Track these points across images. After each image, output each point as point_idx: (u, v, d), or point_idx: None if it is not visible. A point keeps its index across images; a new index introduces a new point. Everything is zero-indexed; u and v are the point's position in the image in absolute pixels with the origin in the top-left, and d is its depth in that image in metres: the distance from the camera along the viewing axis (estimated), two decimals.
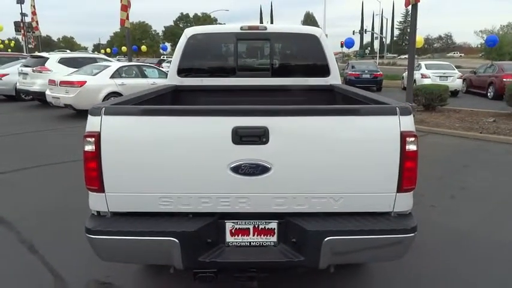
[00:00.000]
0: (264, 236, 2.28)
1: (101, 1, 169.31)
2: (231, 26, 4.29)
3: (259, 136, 2.09)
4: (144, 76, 12.14)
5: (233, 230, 2.27)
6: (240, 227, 2.27)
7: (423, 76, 17.37)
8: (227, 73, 4.31)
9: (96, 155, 2.13)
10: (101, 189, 2.18)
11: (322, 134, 2.14)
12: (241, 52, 4.40)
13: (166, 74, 13.07)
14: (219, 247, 2.25)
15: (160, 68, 14.63)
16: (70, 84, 10.54)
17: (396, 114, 2.12)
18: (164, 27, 54.88)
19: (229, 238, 2.28)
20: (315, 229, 2.11)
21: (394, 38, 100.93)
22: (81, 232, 2.18)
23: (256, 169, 2.12)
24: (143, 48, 39.79)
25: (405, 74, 21.06)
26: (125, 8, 14.59)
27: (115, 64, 12.36)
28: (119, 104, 2.51)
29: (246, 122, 2.11)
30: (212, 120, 2.14)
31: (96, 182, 2.17)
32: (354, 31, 56.39)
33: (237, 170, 2.12)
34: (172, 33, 53.29)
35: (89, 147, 2.14)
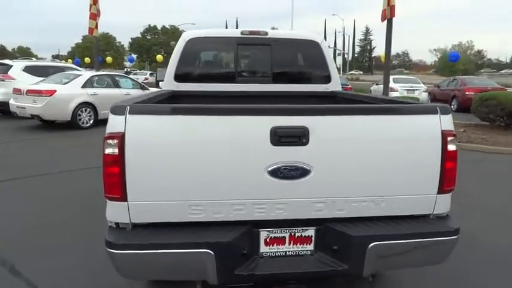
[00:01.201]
0: (300, 244, 2.14)
1: (59, 11, 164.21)
2: (231, 30, 4.16)
3: (299, 137, 1.96)
4: (118, 86, 11.69)
5: (268, 240, 2.11)
6: (276, 235, 2.11)
7: (392, 89, 17.93)
8: (226, 79, 4.15)
9: (119, 158, 1.92)
10: (123, 197, 1.96)
11: (364, 134, 2.03)
12: (242, 57, 4.27)
13: (141, 85, 12.85)
14: (253, 259, 2.08)
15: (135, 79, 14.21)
16: (38, 93, 9.94)
17: (437, 113, 2.06)
18: (131, 38, 53.97)
19: (263, 248, 2.11)
20: (360, 234, 1.99)
21: (355, 55, 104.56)
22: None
23: (296, 172, 1.98)
24: (108, 59, 38.72)
25: (372, 88, 21.98)
26: (94, 16, 14.13)
27: (86, 73, 11.84)
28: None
29: (285, 122, 1.97)
30: (249, 120, 1.98)
31: (117, 189, 1.95)
32: None
33: (275, 173, 1.97)
34: (139, 45, 52.29)
35: (111, 150, 1.92)
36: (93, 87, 10.88)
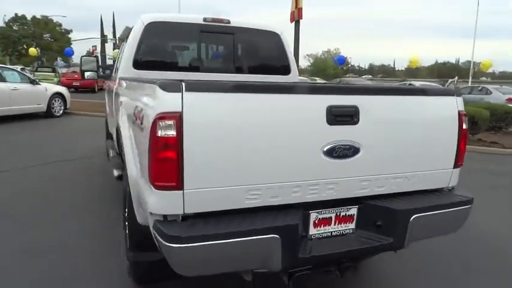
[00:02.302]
0: (343, 223, 2.17)
1: None
2: (192, 16, 3.94)
3: (352, 116, 2.00)
4: (3, 80, 10.02)
5: (316, 221, 2.09)
6: (323, 216, 2.11)
7: None
8: (190, 68, 3.94)
9: (177, 141, 1.69)
10: (179, 185, 1.73)
11: (403, 114, 2.17)
12: (205, 46, 4.09)
13: (30, 79, 11.22)
14: (306, 241, 2.04)
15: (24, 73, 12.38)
16: None
17: (454, 95, 2.31)
18: None
19: (312, 230, 2.08)
20: (405, 208, 2.11)
21: None
22: None
23: (348, 151, 2.01)
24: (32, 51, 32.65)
25: None
26: None
27: None
28: None
29: (339, 101, 1.99)
30: (307, 99, 1.94)
31: (173, 176, 1.72)
32: None
33: (330, 153, 1.97)
34: (4, 36, 45.12)
35: (167, 132, 1.69)
36: None
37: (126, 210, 2.56)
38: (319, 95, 1.96)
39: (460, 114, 2.30)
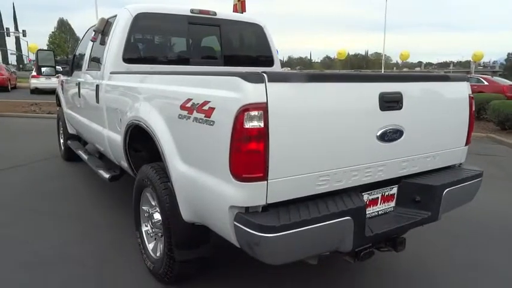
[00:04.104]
0: (386, 202, 2.33)
1: None
2: (179, 7, 3.81)
3: (397, 101, 2.16)
4: None
5: (367, 202, 2.22)
6: (373, 197, 2.25)
7: None
8: (180, 61, 3.81)
9: (264, 132, 1.70)
10: (264, 176, 1.74)
11: (432, 98, 2.40)
12: (194, 38, 3.97)
13: None
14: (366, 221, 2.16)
15: None
16: None
17: (466, 81, 2.59)
18: None
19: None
20: (440, 184, 2.33)
21: None
22: None
23: (395, 135, 2.17)
24: None
25: None
26: None
27: None
28: None
29: (387, 88, 2.13)
30: (365, 87, 2.06)
31: (260, 167, 1.73)
32: None
33: (382, 137, 2.12)
34: None
35: (255, 124, 1.69)
36: None
37: (160, 210, 2.45)
38: (373, 83, 2.09)
39: (469, 97, 2.59)
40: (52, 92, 19.81)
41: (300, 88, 1.83)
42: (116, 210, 4.02)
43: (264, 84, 1.70)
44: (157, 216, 2.63)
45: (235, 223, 1.78)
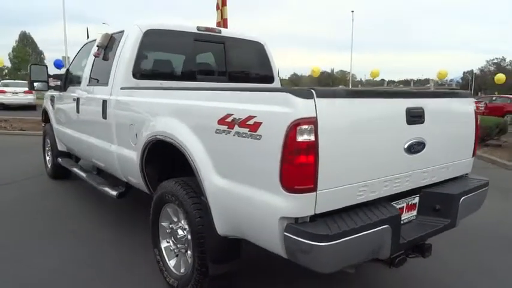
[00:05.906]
0: (409, 211, 2.45)
1: None
2: (185, 24, 3.87)
3: (420, 116, 2.30)
4: None
5: None
6: (400, 206, 2.36)
7: None
8: (187, 76, 3.84)
9: (315, 145, 1.78)
10: (314, 187, 1.81)
11: (447, 112, 2.57)
12: (200, 55, 4.03)
13: None
14: None
15: None
16: None
17: (471, 97, 2.80)
18: None
19: None
20: (457, 192, 2.48)
21: None
22: None
23: (419, 147, 2.31)
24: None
25: None
26: None
27: None
28: None
29: (412, 104, 2.27)
30: (396, 102, 2.20)
31: (311, 179, 1.80)
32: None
33: (409, 149, 2.25)
34: None
35: (307, 137, 1.76)
36: None
37: (189, 225, 2.44)
38: (402, 99, 2.23)
39: (475, 111, 2.79)
40: (19, 108, 19.24)
41: (343, 103, 1.93)
42: (116, 228, 3.93)
43: (313, 99, 1.78)
44: (181, 232, 2.62)
45: (286, 233, 1.83)
